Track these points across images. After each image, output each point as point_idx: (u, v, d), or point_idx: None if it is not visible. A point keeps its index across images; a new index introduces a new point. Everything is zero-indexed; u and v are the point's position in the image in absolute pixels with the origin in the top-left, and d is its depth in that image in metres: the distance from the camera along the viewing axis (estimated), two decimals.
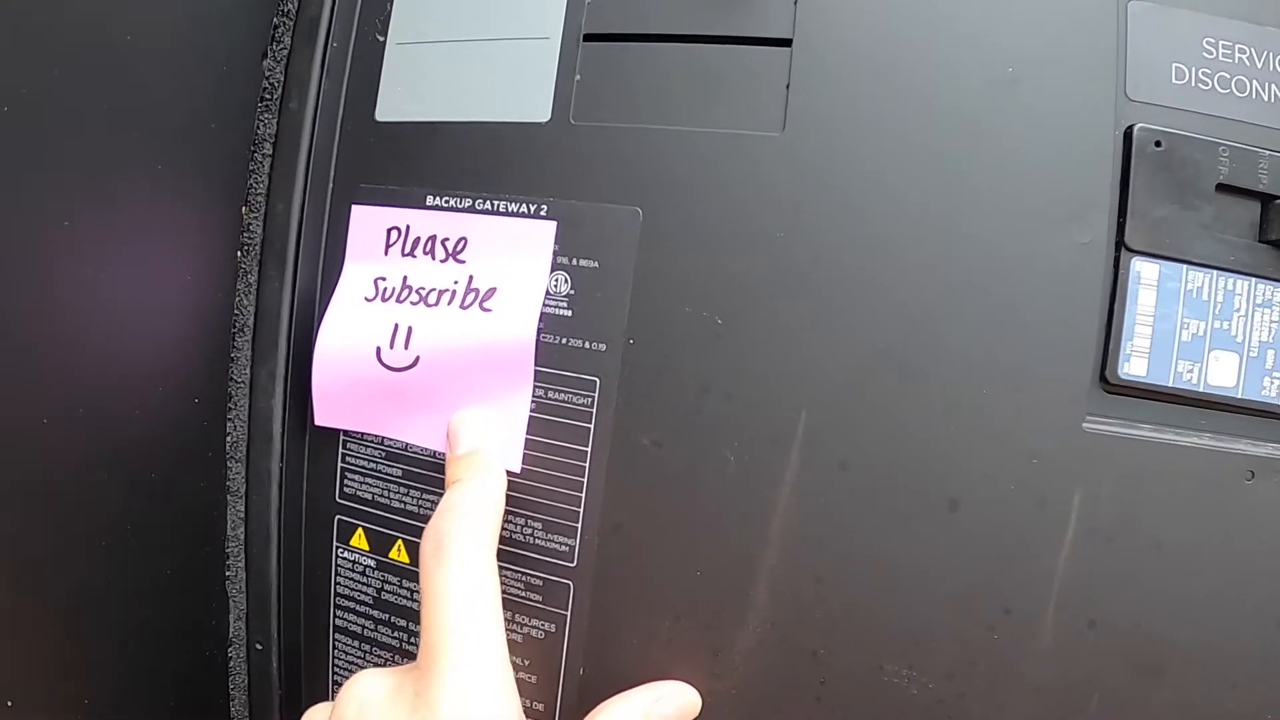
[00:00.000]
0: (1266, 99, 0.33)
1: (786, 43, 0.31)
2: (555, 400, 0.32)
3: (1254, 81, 0.33)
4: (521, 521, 0.33)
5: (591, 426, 0.32)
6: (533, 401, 0.32)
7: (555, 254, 0.32)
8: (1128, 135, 0.32)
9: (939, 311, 0.30)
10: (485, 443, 0.31)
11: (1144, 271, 0.32)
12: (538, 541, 0.33)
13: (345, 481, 0.35)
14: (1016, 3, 0.31)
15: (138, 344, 0.32)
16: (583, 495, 0.32)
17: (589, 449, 0.32)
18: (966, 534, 0.30)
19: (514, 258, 0.32)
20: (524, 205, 0.32)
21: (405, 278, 0.34)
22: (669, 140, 0.31)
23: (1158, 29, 0.33)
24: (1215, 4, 0.34)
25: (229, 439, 0.35)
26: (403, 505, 0.34)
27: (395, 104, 0.35)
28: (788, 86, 0.31)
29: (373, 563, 0.35)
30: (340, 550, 0.35)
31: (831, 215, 0.30)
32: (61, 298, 0.28)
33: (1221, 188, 0.33)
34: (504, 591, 0.31)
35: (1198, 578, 0.31)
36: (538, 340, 0.32)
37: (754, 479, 0.31)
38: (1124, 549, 0.31)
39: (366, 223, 0.34)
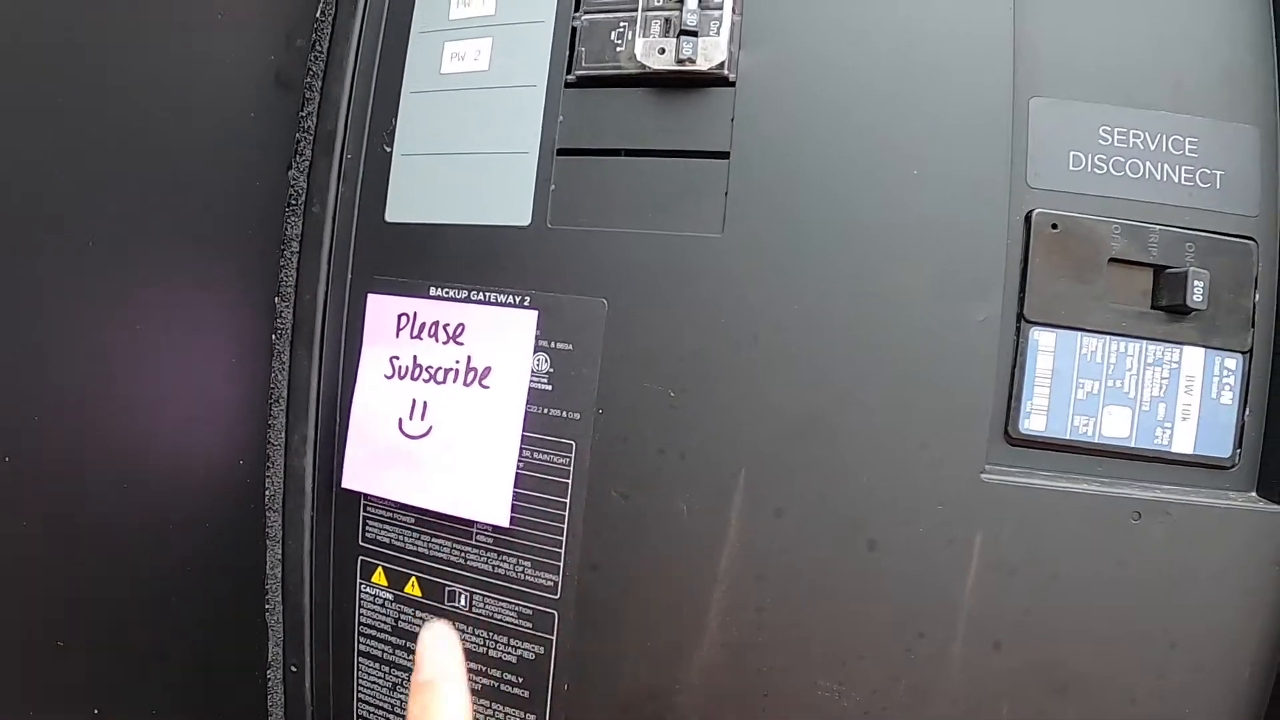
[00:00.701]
0: (1158, 178, 0.39)
1: (724, 155, 0.37)
2: (539, 460, 0.38)
3: (1146, 163, 0.39)
4: (514, 560, 0.39)
5: (570, 482, 0.38)
6: (520, 461, 0.38)
7: (537, 338, 0.38)
8: (1028, 219, 0.38)
9: (858, 381, 0.36)
10: (446, 674, 0.29)
11: (1042, 339, 0.38)
12: (528, 577, 0.39)
13: (366, 528, 0.41)
14: (923, 111, 0.37)
15: (193, 417, 0.39)
16: (564, 539, 0.38)
17: (568, 500, 0.38)
18: (884, 570, 0.36)
19: (504, 341, 0.39)
20: (510, 296, 0.39)
21: (415, 357, 0.40)
22: (629, 241, 0.38)
23: (1057, 121, 0.39)
24: (1112, 92, 0.39)
25: (268, 492, 0.42)
26: (415, 547, 0.41)
27: (402, 207, 0.41)
28: (726, 194, 0.37)
29: (391, 596, 0.41)
30: (363, 586, 0.42)
31: (765, 302, 0.36)
32: (132, 385, 0.35)
33: (1115, 261, 0.38)
34: (500, 618, 0.37)
35: (1094, 605, 0.37)
36: (525, 411, 0.38)
37: (704, 525, 0.37)
38: (1024, 581, 0.36)
39: (380, 310, 0.41)
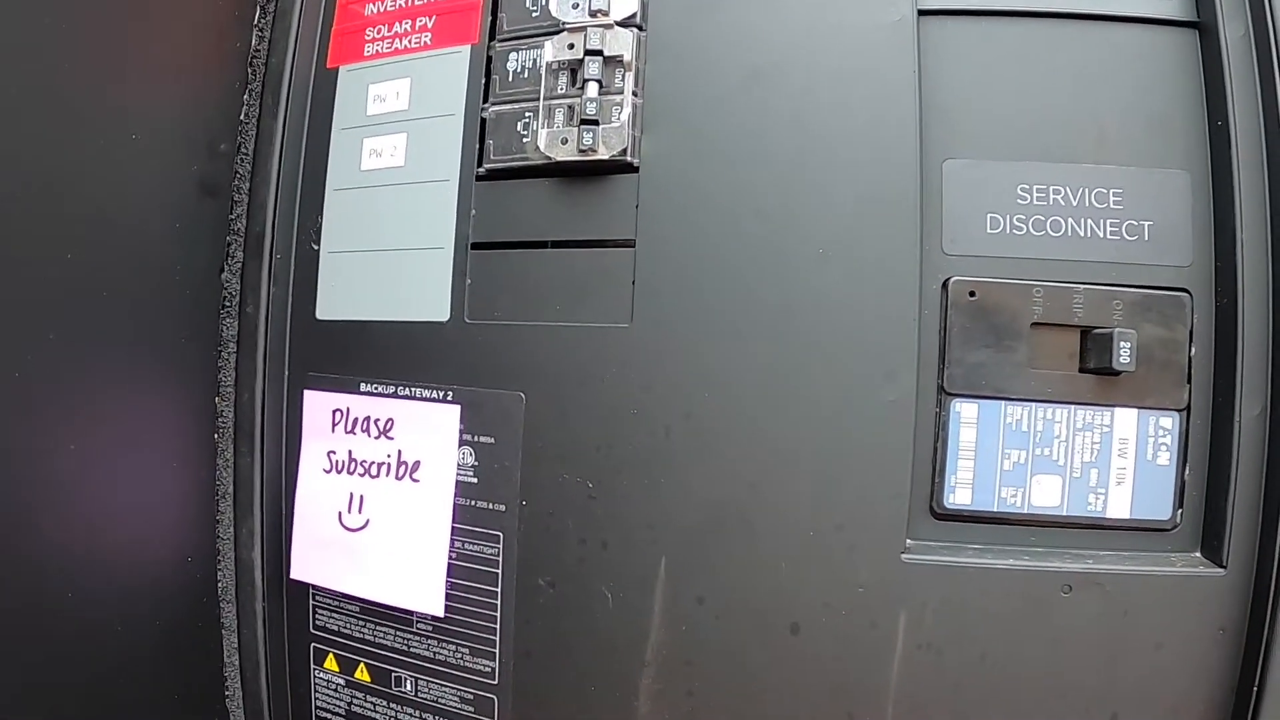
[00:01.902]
0: (1082, 234, 0.38)
1: (630, 244, 0.37)
2: (470, 550, 0.39)
3: (1069, 219, 0.38)
4: (453, 647, 0.40)
5: (500, 571, 0.39)
6: (453, 551, 0.39)
7: (461, 432, 0.39)
8: (945, 288, 0.37)
9: (771, 468, 0.36)
10: None
11: (964, 411, 0.37)
12: (467, 663, 0.40)
13: (316, 616, 0.43)
14: (827, 186, 0.36)
15: (139, 518, 0.40)
16: (498, 626, 0.39)
17: (499, 589, 0.39)
18: (809, 653, 0.36)
19: (430, 436, 0.39)
20: (435, 391, 0.40)
21: (350, 451, 0.41)
22: (542, 335, 0.38)
23: (972, 183, 0.38)
24: (1030, 148, 0.38)
25: (220, 584, 0.43)
26: (362, 634, 0.42)
27: (331, 304, 0.42)
28: (633, 282, 0.37)
29: (343, 681, 0.43)
30: (317, 672, 0.43)
31: (675, 392, 0.36)
32: (77, 496, 0.36)
33: (1039, 325, 0.37)
34: (444, 703, 0.38)
35: (1027, 683, 0.36)
36: (454, 503, 0.39)
37: (629, 612, 0.37)
38: (953, 661, 0.36)
39: (316, 405, 0.42)
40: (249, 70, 0.44)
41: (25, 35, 0.32)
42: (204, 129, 0.42)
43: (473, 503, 0.39)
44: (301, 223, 0.43)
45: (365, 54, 0.43)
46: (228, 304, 0.43)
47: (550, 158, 0.38)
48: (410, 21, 0.42)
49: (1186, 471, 0.37)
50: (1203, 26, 0.38)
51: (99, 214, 0.36)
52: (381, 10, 0.43)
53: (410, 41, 0.42)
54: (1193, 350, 0.37)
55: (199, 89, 0.42)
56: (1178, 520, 0.37)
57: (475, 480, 0.39)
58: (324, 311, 0.42)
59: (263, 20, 0.44)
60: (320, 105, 0.43)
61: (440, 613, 0.39)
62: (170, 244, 0.40)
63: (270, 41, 0.44)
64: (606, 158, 0.37)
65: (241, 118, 0.43)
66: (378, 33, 0.43)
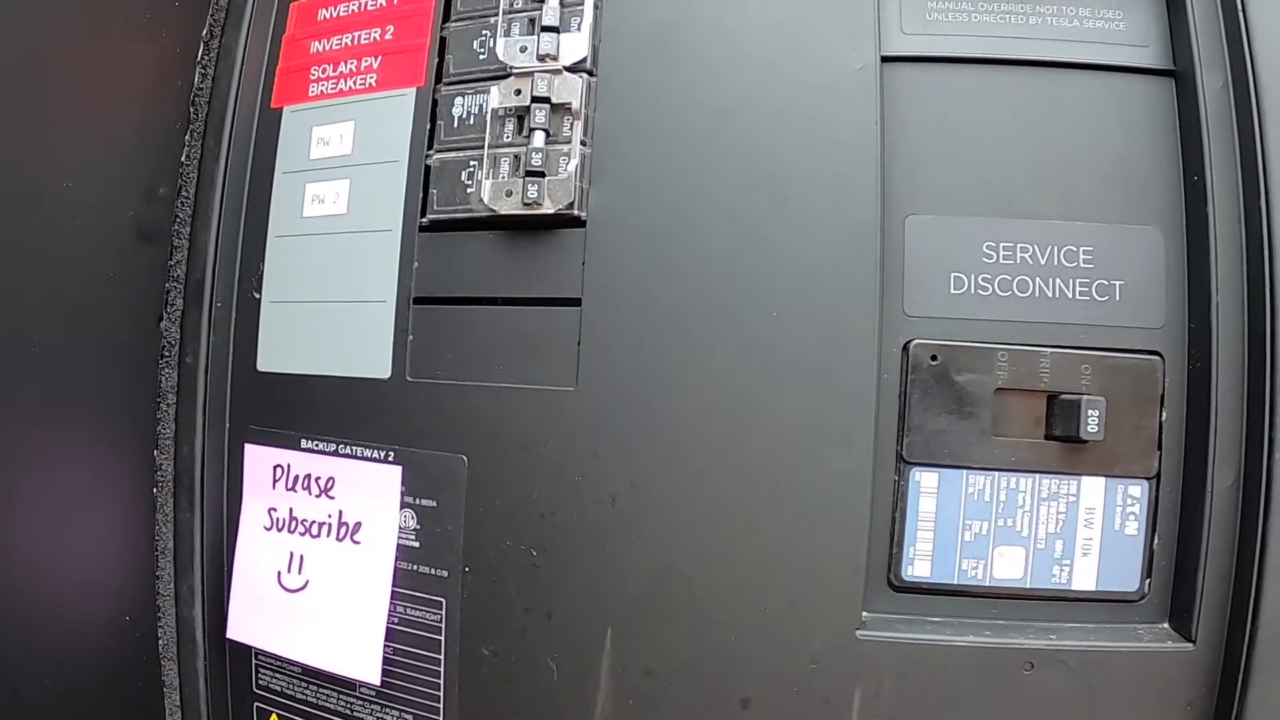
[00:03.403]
0: (1050, 294, 0.36)
1: (576, 302, 0.36)
2: (412, 616, 0.38)
3: (1036, 279, 0.36)
4: (396, 713, 0.39)
5: (442, 639, 0.37)
6: (394, 616, 0.38)
7: (403, 494, 0.37)
8: (905, 351, 0.36)
9: (720, 539, 0.34)
10: None
11: (924, 480, 0.36)
12: None
13: (259, 675, 0.41)
14: (782, 244, 0.35)
15: (74, 577, 0.39)
16: (440, 694, 0.38)
17: (442, 657, 0.37)
18: None
19: (371, 497, 0.38)
20: (375, 451, 0.38)
21: (291, 509, 0.40)
22: (486, 395, 0.36)
23: (936, 240, 0.36)
24: (996, 204, 0.36)
25: (161, 642, 0.42)
26: (304, 696, 0.41)
27: (272, 356, 0.41)
28: (579, 343, 0.36)
29: None
30: None
31: (621, 460, 0.35)
32: (6, 551, 0.35)
33: (1003, 390, 0.36)
34: None
35: None
36: (395, 567, 0.37)
37: (574, 684, 0.36)
38: None
39: (257, 460, 0.40)
40: (191, 110, 0.42)
41: None
42: (143, 172, 0.40)
43: (415, 567, 0.37)
44: (243, 270, 0.41)
45: (310, 94, 0.41)
46: (166, 353, 0.41)
47: (494, 211, 0.36)
48: (355, 61, 0.40)
49: (1155, 541, 0.35)
50: (1180, 76, 0.36)
51: (29, 265, 0.35)
52: (327, 49, 0.41)
53: (355, 83, 0.40)
54: (1164, 415, 0.35)
55: (138, 130, 0.40)
56: (1146, 590, 0.35)
57: (417, 544, 0.37)
58: (265, 363, 0.41)
59: (206, 57, 0.42)
60: (263, 147, 0.42)
61: (377, 681, 0.37)
62: (106, 292, 0.39)
63: (213, 79, 0.42)
64: (552, 212, 0.35)
65: (182, 159, 0.42)
66: (322, 72, 0.41)
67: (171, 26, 0.41)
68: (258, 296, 0.41)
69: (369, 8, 0.41)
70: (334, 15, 0.42)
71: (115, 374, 0.40)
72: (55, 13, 0.35)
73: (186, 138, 0.42)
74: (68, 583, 0.38)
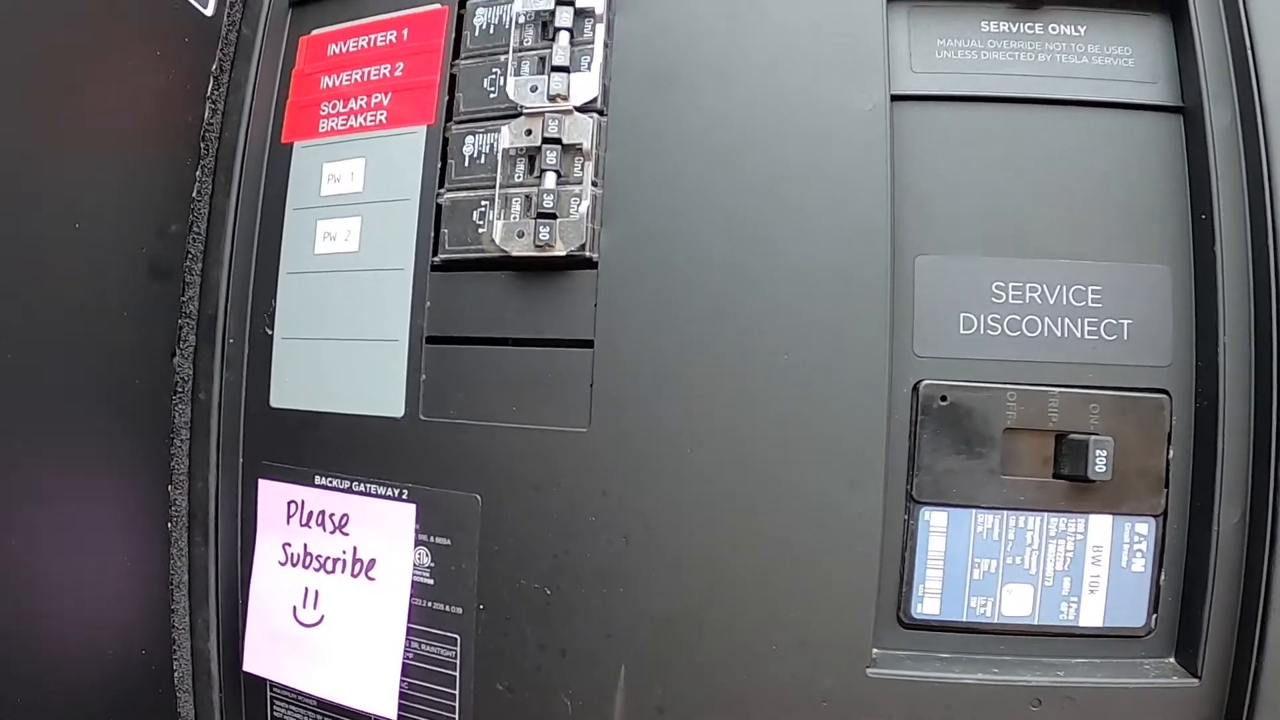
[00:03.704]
0: (1058, 334, 0.36)
1: (589, 344, 0.36)
2: (427, 652, 0.38)
3: (1045, 319, 0.36)
4: None
5: (457, 674, 0.38)
6: (409, 652, 0.38)
7: (417, 532, 0.38)
8: (915, 391, 0.36)
9: (732, 578, 0.35)
10: None
11: (933, 519, 0.36)
12: None
13: (274, 707, 0.42)
14: (793, 286, 0.35)
15: (91, 610, 0.39)
16: None
17: (456, 692, 0.38)
18: None
19: (386, 534, 0.38)
20: (389, 489, 0.38)
21: (306, 545, 0.40)
22: (499, 436, 0.37)
23: (945, 280, 0.36)
24: (1005, 243, 0.36)
25: (176, 674, 0.42)
26: None
27: (285, 393, 0.41)
28: (591, 385, 0.36)
29: None
30: None
31: (634, 499, 0.35)
32: (24, 585, 0.35)
33: (1011, 429, 0.36)
34: None
35: None
36: (410, 603, 0.38)
37: None
38: None
39: (271, 496, 0.41)
40: (201, 145, 0.42)
41: None
42: (154, 209, 0.40)
43: (429, 604, 0.38)
44: (255, 306, 0.42)
45: (320, 130, 0.41)
46: (179, 389, 0.41)
47: (506, 252, 0.36)
48: (366, 98, 0.40)
49: (1162, 577, 0.36)
50: (1188, 112, 0.36)
51: (43, 304, 0.35)
52: (337, 84, 0.41)
53: (365, 119, 0.40)
54: (1171, 453, 0.35)
55: (149, 168, 0.40)
56: (1152, 625, 0.36)
57: (432, 581, 0.38)
58: (278, 399, 0.41)
59: (215, 92, 0.42)
60: (274, 183, 0.42)
61: (393, 716, 0.38)
62: (119, 330, 0.39)
63: (223, 114, 0.42)
64: (564, 254, 0.35)
65: (193, 195, 0.42)
66: (333, 108, 0.41)
67: (181, 62, 0.41)
68: (270, 333, 0.41)
69: (379, 44, 0.41)
70: (343, 50, 0.42)
71: (129, 409, 0.40)
72: (67, 53, 0.35)
73: (197, 173, 0.42)
74: (83, 616, 0.39)
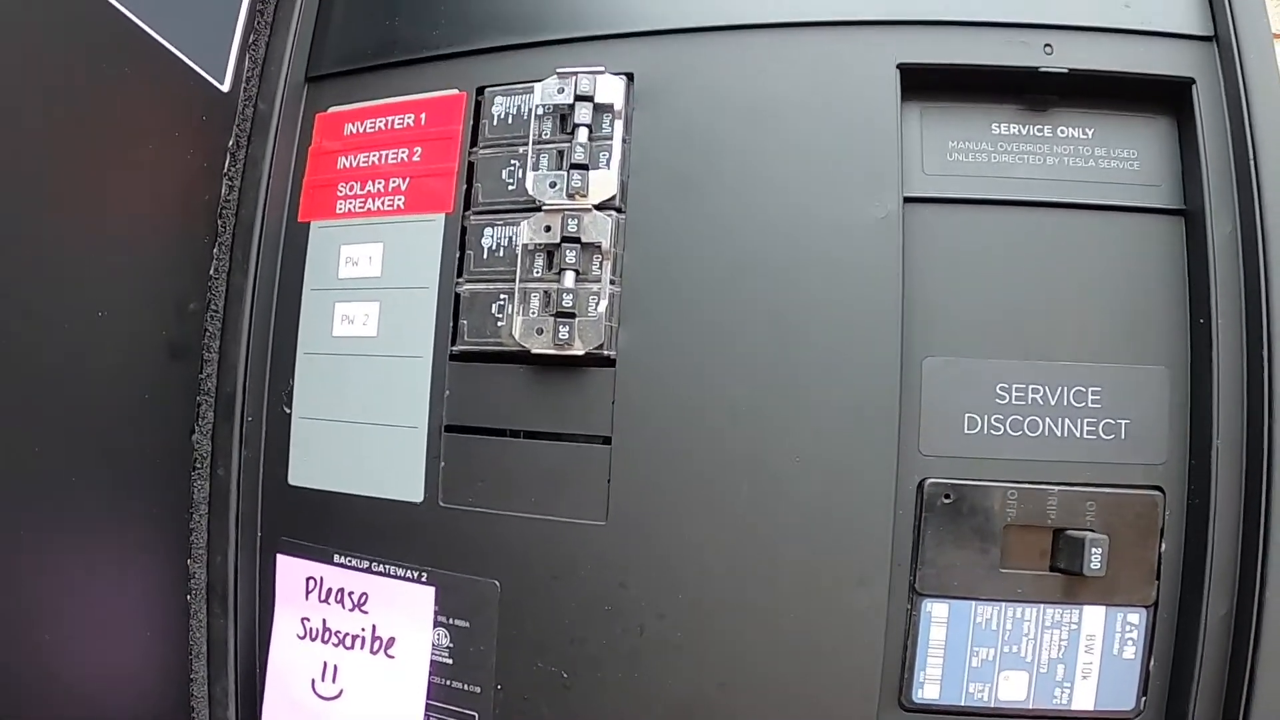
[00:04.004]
0: (1059, 434, 0.38)
1: (606, 440, 0.37)
2: None
3: (1046, 419, 0.38)
4: None
5: None
6: None
7: (436, 614, 0.39)
8: (920, 488, 0.37)
9: (743, 667, 0.36)
10: None
11: (935, 611, 0.38)
12: None
13: None
14: (806, 392, 0.36)
15: (112, 684, 0.40)
16: None
17: None
18: None
19: (405, 615, 0.39)
20: (409, 571, 0.39)
21: (324, 620, 0.41)
22: (518, 525, 0.38)
23: (951, 382, 0.38)
24: (1010, 346, 0.38)
25: None
26: None
27: (303, 471, 0.42)
28: (609, 480, 0.37)
29: None
30: None
31: (650, 592, 0.36)
32: (49, 661, 0.36)
33: (1011, 526, 0.37)
34: None
35: None
36: (429, 680, 0.39)
37: None
38: None
39: (289, 571, 0.42)
40: (218, 222, 0.42)
41: None
42: (173, 290, 0.41)
43: (448, 682, 0.39)
44: (273, 384, 0.42)
45: (337, 211, 0.42)
46: (198, 465, 0.42)
47: (525, 348, 0.37)
48: (383, 181, 0.41)
49: (1152, 663, 0.37)
50: (1190, 216, 0.37)
51: (70, 393, 0.35)
52: (354, 165, 0.42)
53: (382, 204, 0.41)
54: (1163, 547, 0.37)
55: (169, 248, 0.40)
56: (1141, 708, 0.38)
57: (450, 661, 0.39)
58: (296, 478, 0.42)
59: (232, 168, 0.42)
60: (291, 261, 0.42)
61: None
62: (139, 411, 0.40)
63: (240, 191, 0.42)
64: (582, 353, 0.36)
65: (211, 273, 0.42)
66: (350, 189, 0.42)
67: (199, 140, 0.41)
68: (288, 411, 0.42)
69: (396, 126, 0.41)
70: (361, 130, 0.42)
71: (150, 486, 0.41)
72: (88, 139, 0.36)
73: (215, 251, 0.42)
74: (105, 685, 0.40)
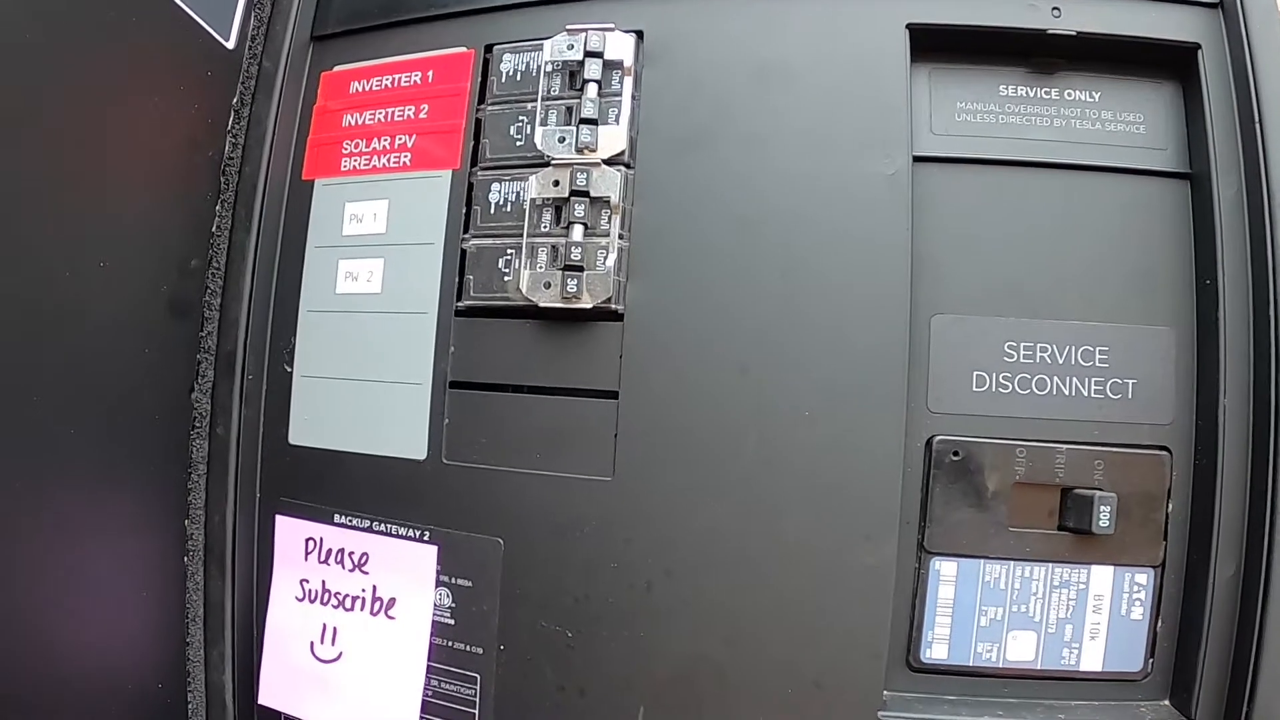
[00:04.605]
0: (1067, 392, 0.38)
1: (613, 395, 0.37)
2: (447, 690, 0.39)
3: (1054, 378, 0.38)
4: None
5: (476, 713, 0.39)
6: (429, 690, 0.39)
7: (438, 573, 0.38)
8: (929, 446, 0.37)
9: (749, 624, 0.36)
10: None
11: (943, 569, 0.37)
12: None
13: None
14: (815, 343, 0.36)
15: (107, 645, 0.40)
16: None
17: None
18: None
19: (406, 574, 0.39)
20: (411, 530, 0.39)
21: (324, 581, 0.41)
22: (522, 482, 0.37)
23: (960, 339, 0.37)
24: (1018, 304, 0.38)
25: (190, 707, 0.43)
26: None
27: (304, 430, 0.41)
28: (615, 435, 0.37)
29: None
30: None
31: (657, 548, 0.36)
32: (41, 619, 0.35)
33: (1020, 484, 0.37)
34: None
35: None
36: (430, 642, 0.39)
37: None
38: None
39: (288, 532, 0.41)
40: (221, 179, 0.42)
41: None
42: (175, 246, 0.40)
43: (449, 643, 0.38)
44: (274, 343, 0.42)
45: (342, 168, 0.41)
46: (198, 424, 0.41)
47: (532, 301, 0.37)
48: (389, 139, 0.41)
49: (1159, 624, 0.37)
50: (1195, 179, 0.38)
51: (67, 346, 0.35)
52: (359, 122, 0.42)
53: (388, 160, 0.40)
54: (1170, 507, 0.37)
55: (171, 203, 0.40)
56: (1149, 670, 0.37)
57: (452, 621, 0.38)
58: (297, 437, 0.41)
59: (236, 126, 0.42)
60: (295, 219, 0.42)
61: None
62: (139, 366, 0.39)
63: (244, 149, 0.42)
64: (590, 306, 0.36)
65: (213, 230, 0.42)
66: (355, 147, 0.41)
67: (204, 96, 0.41)
68: (289, 370, 0.41)
69: (403, 84, 0.41)
70: (367, 88, 0.42)
71: (148, 444, 0.40)
72: (93, 91, 0.35)
73: (217, 208, 0.42)
74: (101, 649, 0.39)
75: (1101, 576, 0.37)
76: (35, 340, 0.33)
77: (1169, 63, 0.38)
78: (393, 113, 0.41)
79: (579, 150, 0.37)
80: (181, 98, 0.40)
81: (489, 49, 0.40)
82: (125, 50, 0.36)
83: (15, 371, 0.32)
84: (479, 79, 0.40)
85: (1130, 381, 0.37)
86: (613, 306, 0.36)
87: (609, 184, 0.36)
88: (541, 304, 0.36)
